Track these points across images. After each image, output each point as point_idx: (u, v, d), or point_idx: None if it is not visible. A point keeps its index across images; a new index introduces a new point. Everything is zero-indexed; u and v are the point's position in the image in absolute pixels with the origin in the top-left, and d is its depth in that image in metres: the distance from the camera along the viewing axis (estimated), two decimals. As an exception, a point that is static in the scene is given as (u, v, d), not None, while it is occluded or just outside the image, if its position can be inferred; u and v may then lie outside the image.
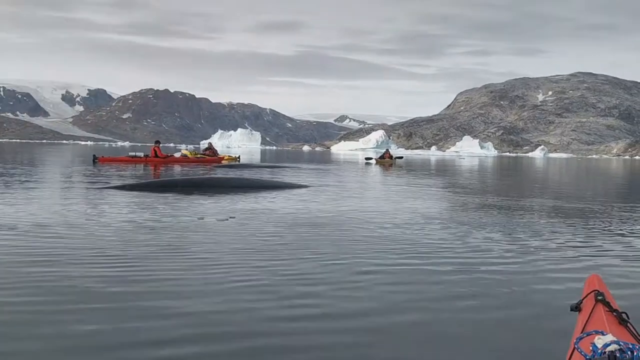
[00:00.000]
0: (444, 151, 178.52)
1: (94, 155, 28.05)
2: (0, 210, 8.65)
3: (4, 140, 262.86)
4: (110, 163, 27.04)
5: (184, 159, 30.25)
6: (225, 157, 33.11)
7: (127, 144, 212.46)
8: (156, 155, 28.35)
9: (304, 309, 4.11)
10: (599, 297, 2.53)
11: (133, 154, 29.27)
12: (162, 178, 17.82)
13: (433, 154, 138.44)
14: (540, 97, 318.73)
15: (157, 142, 29.81)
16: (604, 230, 8.51)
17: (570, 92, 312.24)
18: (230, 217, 8.73)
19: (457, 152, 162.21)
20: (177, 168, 25.08)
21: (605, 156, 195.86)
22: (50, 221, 7.73)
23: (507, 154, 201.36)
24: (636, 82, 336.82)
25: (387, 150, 43.56)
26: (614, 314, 2.43)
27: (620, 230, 8.53)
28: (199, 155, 31.85)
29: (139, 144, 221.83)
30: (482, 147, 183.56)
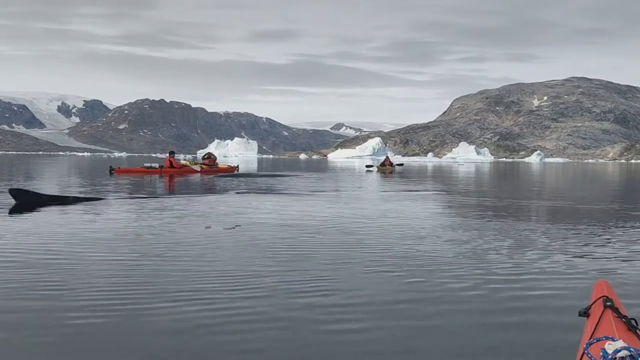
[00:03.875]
0: (440, 157, 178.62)
1: (110, 167, 29.21)
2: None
3: (0, 152, 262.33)
4: (127, 174, 27.66)
5: (199, 170, 30.69)
6: (236, 168, 33.86)
7: (123, 154, 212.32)
8: (171, 166, 28.77)
9: (314, 319, 4.15)
10: (608, 303, 2.53)
11: (148, 164, 29.87)
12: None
13: (430, 160, 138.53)
14: (536, 102, 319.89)
15: (172, 152, 30.16)
16: (612, 235, 8.51)
17: (566, 97, 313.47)
18: (237, 226, 8.76)
19: (453, 158, 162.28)
20: (192, 178, 25.43)
21: (601, 160, 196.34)
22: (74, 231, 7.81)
23: (504, 159, 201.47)
24: (631, 86, 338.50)
25: (387, 157, 43.53)
26: (623, 320, 2.43)
27: (629, 235, 8.54)
28: (198, 165, 32.11)
29: (136, 155, 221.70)
30: (478, 153, 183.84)
